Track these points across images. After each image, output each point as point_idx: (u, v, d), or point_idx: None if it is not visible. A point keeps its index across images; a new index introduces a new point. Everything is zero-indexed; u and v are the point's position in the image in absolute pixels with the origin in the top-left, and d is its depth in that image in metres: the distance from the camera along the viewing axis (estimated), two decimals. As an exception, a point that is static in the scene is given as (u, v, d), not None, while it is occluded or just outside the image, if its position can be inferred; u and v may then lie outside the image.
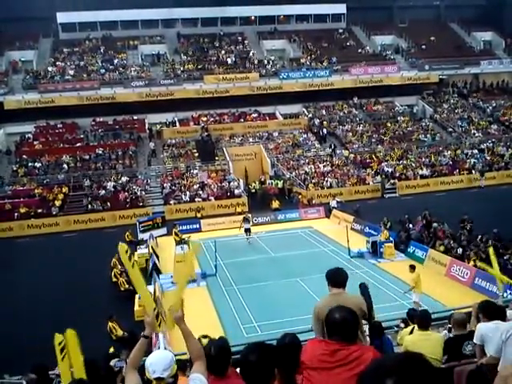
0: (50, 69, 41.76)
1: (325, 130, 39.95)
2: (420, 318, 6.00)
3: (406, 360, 1.42)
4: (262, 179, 34.45)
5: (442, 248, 19.06)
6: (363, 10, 50.08)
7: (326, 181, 32.87)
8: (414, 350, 5.58)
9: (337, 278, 4.53)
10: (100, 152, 36.42)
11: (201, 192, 31.48)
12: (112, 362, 4.81)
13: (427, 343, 5.60)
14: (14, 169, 34.42)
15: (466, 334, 5.56)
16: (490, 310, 4.99)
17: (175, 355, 3.71)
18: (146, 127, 40.10)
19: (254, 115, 41.95)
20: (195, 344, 3.35)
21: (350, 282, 4.54)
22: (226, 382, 3.16)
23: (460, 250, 18.72)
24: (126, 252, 3.65)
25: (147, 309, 3.64)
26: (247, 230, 24.17)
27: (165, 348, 9.20)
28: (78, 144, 37.45)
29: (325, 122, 41.25)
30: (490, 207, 24.21)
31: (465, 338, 5.50)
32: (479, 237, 19.19)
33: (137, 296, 15.61)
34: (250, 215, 25.60)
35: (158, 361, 3.24)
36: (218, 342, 3.67)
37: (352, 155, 36.91)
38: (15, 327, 14.29)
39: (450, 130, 41.09)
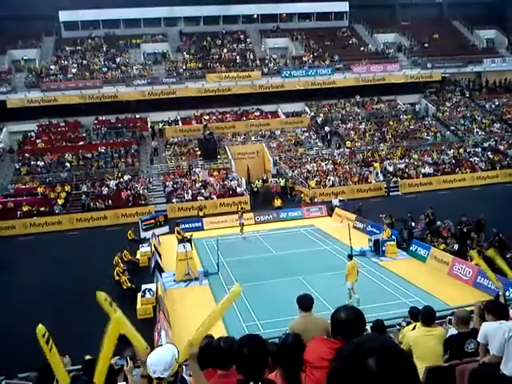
0: (52, 67, 41.83)
1: (327, 128, 39.94)
2: (424, 315, 5.99)
3: (383, 341, 1.43)
4: (265, 178, 34.45)
5: (442, 246, 19.03)
6: (366, 8, 49.98)
7: (329, 179, 32.85)
8: (416, 346, 5.60)
9: (306, 303, 5.38)
10: (102, 150, 36.49)
11: (203, 190, 31.49)
12: (113, 360, 4.80)
13: (430, 339, 5.61)
14: (17, 167, 34.51)
15: (469, 331, 5.57)
16: (497, 309, 5.00)
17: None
18: (149, 126, 40.17)
19: (257, 113, 41.95)
20: (202, 382, 3.38)
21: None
22: (231, 373, 3.21)
23: (456, 246, 18.70)
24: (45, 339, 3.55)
25: (141, 351, 3.56)
26: (242, 225, 24.60)
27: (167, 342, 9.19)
28: (81, 142, 37.54)
29: (322, 114, 41.20)
30: (493, 206, 24.16)
31: (468, 335, 5.51)
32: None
33: (139, 294, 15.66)
34: (243, 211, 25.84)
35: (159, 361, 3.25)
36: (229, 338, 3.80)
37: (348, 150, 37.04)
38: (17, 325, 14.31)
39: (453, 128, 41.02)
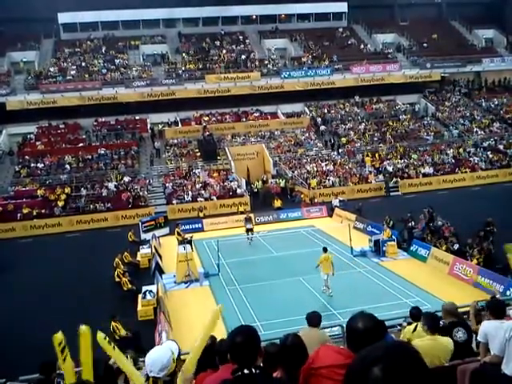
0: (51, 69, 41.82)
1: (324, 128, 39.95)
2: (428, 321, 5.67)
3: (392, 347, 1.44)
4: (264, 178, 34.45)
5: (444, 247, 19.01)
6: (364, 8, 50.00)
7: (329, 180, 32.86)
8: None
9: (314, 320, 6.20)
10: (102, 152, 36.48)
11: (203, 192, 31.49)
12: (111, 361, 4.80)
13: (435, 347, 5.41)
14: (17, 169, 34.49)
15: (457, 321, 5.61)
16: (498, 309, 5.00)
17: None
18: (148, 127, 40.15)
19: (256, 114, 41.95)
20: None
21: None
22: (228, 368, 3.25)
23: (456, 246, 18.69)
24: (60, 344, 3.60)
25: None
26: (249, 230, 24.23)
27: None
28: (81, 144, 37.52)
29: (319, 114, 41.25)
30: (493, 205, 24.17)
31: (455, 324, 5.55)
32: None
33: (140, 296, 15.67)
34: (251, 215, 25.63)
35: (156, 361, 3.32)
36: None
37: (343, 150, 37.15)
38: (17, 327, 14.33)
39: (453, 128, 41.01)
